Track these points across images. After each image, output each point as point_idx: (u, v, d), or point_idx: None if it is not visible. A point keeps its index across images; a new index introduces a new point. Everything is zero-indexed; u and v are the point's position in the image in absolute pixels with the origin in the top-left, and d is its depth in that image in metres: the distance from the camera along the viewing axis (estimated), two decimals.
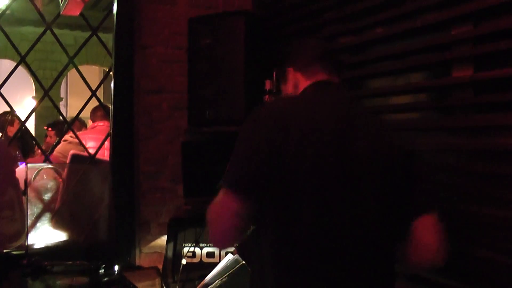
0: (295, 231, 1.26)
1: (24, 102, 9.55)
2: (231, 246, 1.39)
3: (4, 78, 2.56)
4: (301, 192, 1.25)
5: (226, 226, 1.29)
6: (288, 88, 1.48)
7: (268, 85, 2.25)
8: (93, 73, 9.95)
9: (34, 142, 3.21)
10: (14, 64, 2.67)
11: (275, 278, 1.27)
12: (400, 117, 1.80)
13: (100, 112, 3.71)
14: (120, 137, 2.47)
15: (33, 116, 8.95)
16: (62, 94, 10.67)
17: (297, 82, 1.44)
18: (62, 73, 2.85)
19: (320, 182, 1.25)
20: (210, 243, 1.35)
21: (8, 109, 2.74)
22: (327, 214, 1.25)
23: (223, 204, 1.28)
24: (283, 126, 1.26)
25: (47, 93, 2.70)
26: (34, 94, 9.59)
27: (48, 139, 4.74)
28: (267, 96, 2.17)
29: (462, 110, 1.53)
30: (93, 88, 2.73)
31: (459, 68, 1.54)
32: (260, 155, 1.25)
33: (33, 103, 9.45)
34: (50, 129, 4.57)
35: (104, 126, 3.65)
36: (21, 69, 2.68)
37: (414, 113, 1.73)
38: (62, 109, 10.28)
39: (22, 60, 2.65)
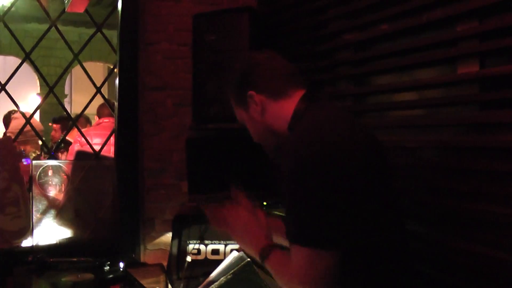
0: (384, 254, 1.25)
1: (28, 99, 9.58)
2: None
3: (9, 75, 2.57)
4: (377, 213, 1.22)
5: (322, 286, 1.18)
6: (253, 114, 1.38)
7: None
8: (98, 69, 9.97)
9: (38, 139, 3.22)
10: (19, 60, 2.68)
11: None
12: (405, 114, 1.79)
13: (107, 109, 3.73)
14: (125, 134, 2.48)
15: (38, 112, 9.00)
16: (67, 91, 10.71)
17: (263, 106, 1.35)
18: (66, 70, 2.85)
19: (382, 195, 1.26)
20: None
21: (13, 106, 2.74)
22: (394, 228, 1.29)
23: (311, 266, 1.16)
24: (341, 156, 1.17)
25: (52, 90, 2.70)
26: (38, 91, 9.62)
27: (53, 133, 4.82)
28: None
29: (467, 106, 1.52)
30: (97, 85, 2.73)
31: (464, 64, 1.52)
32: (342, 196, 1.15)
33: (37, 100, 9.48)
34: (55, 124, 4.65)
35: (109, 122, 3.67)
36: (25, 66, 2.69)
37: (419, 110, 1.72)
38: (67, 106, 10.30)
39: (27, 57, 2.65)
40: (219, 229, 1.52)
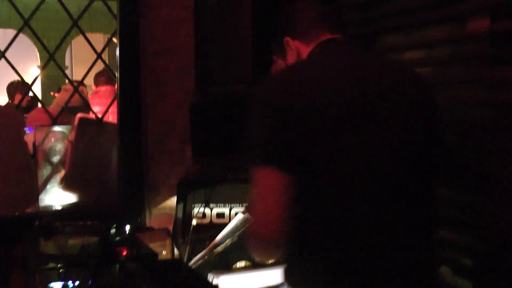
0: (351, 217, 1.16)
1: (29, 72, 9.53)
2: (281, 246, 1.21)
3: (8, 43, 2.54)
4: (347, 168, 1.16)
5: (276, 213, 1.14)
6: (290, 61, 1.38)
7: None
8: (98, 41, 9.87)
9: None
10: (19, 34, 2.64)
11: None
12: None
13: (103, 77, 3.70)
14: (128, 100, 2.45)
15: (39, 86, 8.95)
16: (67, 63, 10.63)
17: (298, 52, 1.36)
18: (66, 36, 2.80)
19: (363, 155, 1.16)
20: (254, 252, 1.25)
21: (12, 78, 2.72)
22: (378, 199, 1.17)
23: (265, 185, 1.16)
24: (309, 95, 1.16)
25: (52, 57, 2.67)
26: (38, 63, 9.55)
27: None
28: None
29: (478, 63, 1.49)
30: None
31: (475, 20, 1.49)
32: (294, 125, 1.14)
33: (38, 72, 9.42)
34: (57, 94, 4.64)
35: (107, 90, 3.65)
36: (25, 39, 2.66)
37: (428, 67, 1.69)
38: None
39: (25, 24, 2.61)
40: None
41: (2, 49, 2.49)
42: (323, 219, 1.19)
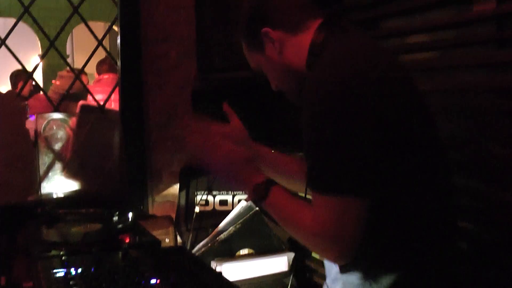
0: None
1: (31, 61, 9.51)
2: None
3: (9, 30, 2.52)
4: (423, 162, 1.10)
5: (356, 237, 1.05)
6: (271, 54, 1.24)
7: None
8: (99, 29, 9.84)
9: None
10: (20, 24, 2.63)
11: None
12: (419, 56, 1.73)
13: (105, 65, 3.68)
14: (129, 87, 2.44)
15: (40, 75, 8.93)
16: (68, 52, 10.61)
17: (282, 43, 1.22)
18: (66, 24, 2.78)
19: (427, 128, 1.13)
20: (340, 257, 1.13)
21: (14, 67, 2.71)
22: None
23: (344, 212, 1.03)
24: (378, 91, 1.03)
25: (53, 43, 2.65)
26: (40, 52, 9.53)
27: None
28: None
29: (484, 46, 1.47)
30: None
31: (481, 2, 1.46)
32: (374, 137, 1.02)
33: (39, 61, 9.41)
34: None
35: (109, 78, 3.64)
36: (26, 28, 2.64)
37: (433, 52, 1.67)
38: None
39: (26, 11, 2.59)
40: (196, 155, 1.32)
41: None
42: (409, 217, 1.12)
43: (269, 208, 1.20)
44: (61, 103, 2.69)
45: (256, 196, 1.19)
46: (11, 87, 4.25)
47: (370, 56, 1.11)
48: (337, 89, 1.04)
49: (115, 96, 2.61)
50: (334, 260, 1.16)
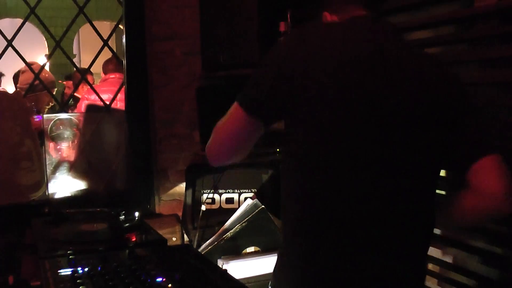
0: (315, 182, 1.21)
1: (38, 61, 9.56)
2: (223, 162, 1.47)
3: (15, 30, 2.53)
4: (321, 129, 1.18)
5: (226, 138, 1.33)
6: None
7: (282, 27, 2.19)
8: (105, 29, 9.85)
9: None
10: (27, 24, 2.64)
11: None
12: None
13: (111, 64, 3.69)
14: (135, 86, 2.45)
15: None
16: (75, 51, 10.64)
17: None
18: (72, 24, 2.78)
19: (344, 119, 1.16)
20: (208, 153, 1.40)
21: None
22: (353, 165, 1.16)
23: (231, 115, 1.31)
24: (307, 53, 1.21)
25: (59, 44, 2.66)
26: (47, 52, 9.56)
27: (67, 90, 4.88)
28: (282, 38, 2.10)
29: (487, 41, 1.46)
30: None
31: None
32: (279, 79, 1.22)
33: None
34: (67, 81, 4.68)
35: (116, 78, 3.64)
36: (33, 28, 2.66)
37: (436, 47, 1.66)
38: None
39: (32, 12, 2.60)
40: None
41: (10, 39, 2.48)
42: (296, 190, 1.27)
43: None
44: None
45: None
46: (15, 87, 4.25)
47: (321, 44, 1.24)
48: (276, 48, 1.28)
49: (121, 96, 2.62)
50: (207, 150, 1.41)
